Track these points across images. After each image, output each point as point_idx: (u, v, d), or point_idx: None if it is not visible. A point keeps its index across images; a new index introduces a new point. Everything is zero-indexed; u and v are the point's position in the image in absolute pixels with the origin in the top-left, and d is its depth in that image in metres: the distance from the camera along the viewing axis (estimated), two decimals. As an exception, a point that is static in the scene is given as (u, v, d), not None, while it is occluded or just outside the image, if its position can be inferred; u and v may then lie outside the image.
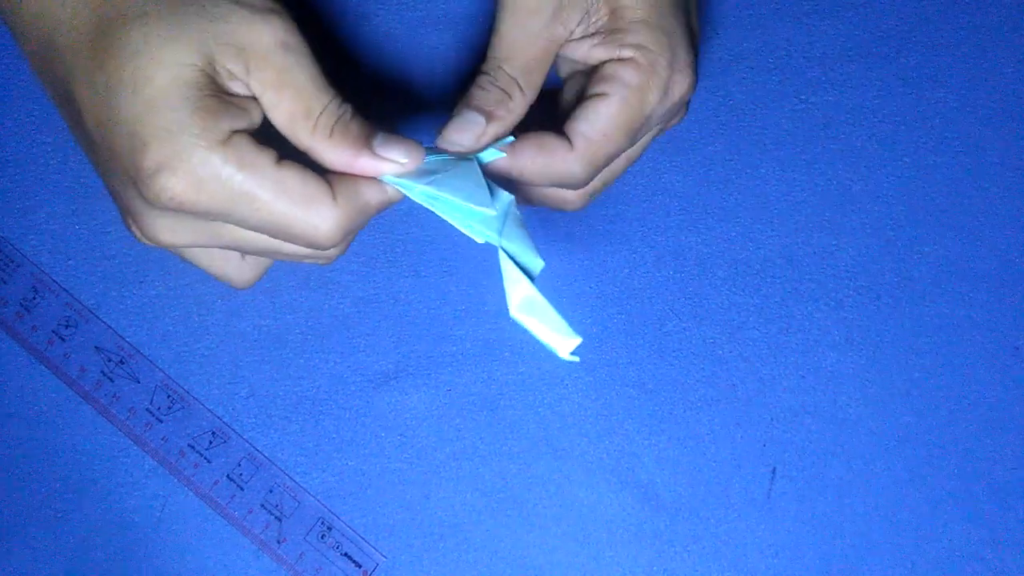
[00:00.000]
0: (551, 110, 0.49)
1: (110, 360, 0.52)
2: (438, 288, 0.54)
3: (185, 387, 0.53)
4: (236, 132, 0.40)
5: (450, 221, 0.42)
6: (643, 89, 0.45)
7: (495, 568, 0.52)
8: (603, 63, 0.46)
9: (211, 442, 0.52)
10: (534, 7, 0.44)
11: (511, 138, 0.44)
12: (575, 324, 0.53)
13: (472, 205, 0.41)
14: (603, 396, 0.53)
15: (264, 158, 0.40)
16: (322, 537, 0.52)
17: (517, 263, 0.41)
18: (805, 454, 0.53)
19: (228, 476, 0.52)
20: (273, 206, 0.40)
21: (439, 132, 0.44)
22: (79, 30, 0.41)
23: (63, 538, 0.51)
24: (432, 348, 0.53)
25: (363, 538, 0.52)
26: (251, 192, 0.40)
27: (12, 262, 0.53)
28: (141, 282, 0.53)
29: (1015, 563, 0.53)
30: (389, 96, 0.54)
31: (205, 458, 0.52)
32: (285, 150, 0.41)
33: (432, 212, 0.42)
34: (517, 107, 0.45)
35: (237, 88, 0.40)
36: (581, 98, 0.46)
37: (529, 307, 0.41)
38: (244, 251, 0.44)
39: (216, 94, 0.40)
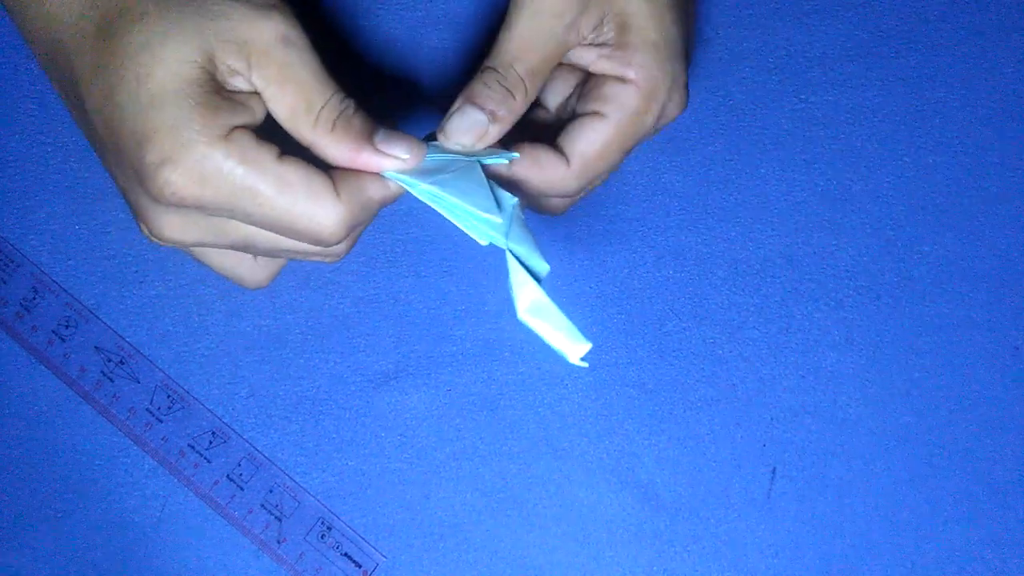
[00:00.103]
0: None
1: (110, 360, 0.52)
2: (438, 288, 0.54)
3: (185, 387, 0.53)
4: (238, 128, 0.40)
5: (453, 221, 0.42)
6: (641, 114, 0.45)
7: (495, 568, 0.52)
8: (605, 79, 0.46)
9: (211, 442, 0.52)
10: (557, 11, 0.44)
11: (515, 154, 0.44)
12: (575, 324, 0.53)
13: (478, 211, 0.41)
14: (603, 396, 0.53)
15: (266, 153, 0.40)
16: (322, 537, 0.52)
17: (524, 266, 0.41)
18: (805, 454, 0.53)
19: (228, 476, 0.52)
20: (275, 201, 0.40)
21: (440, 128, 0.44)
22: (83, 30, 0.41)
23: (63, 538, 0.51)
24: (432, 348, 0.53)
25: (363, 538, 0.52)
26: (253, 187, 0.40)
27: (12, 262, 0.53)
28: (141, 282, 0.53)
29: (1015, 563, 0.53)
30: (391, 95, 0.54)
31: (205, 458, 0.52)
32: (290, 148, 0.41)
33: (433, 211, 0.42)
34: (518, 108, 0.45)
35: (240, 84, 0.41)
36: (575, 112, 0.46)
37: (537, 310, 0.41)
38: (252, 250, 0.44)
39: (217, 90, 0.40)
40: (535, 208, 0.50)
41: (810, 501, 0.53)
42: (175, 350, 0.53)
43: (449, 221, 0.42)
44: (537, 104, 0.50)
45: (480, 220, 0.41)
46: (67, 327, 0.52)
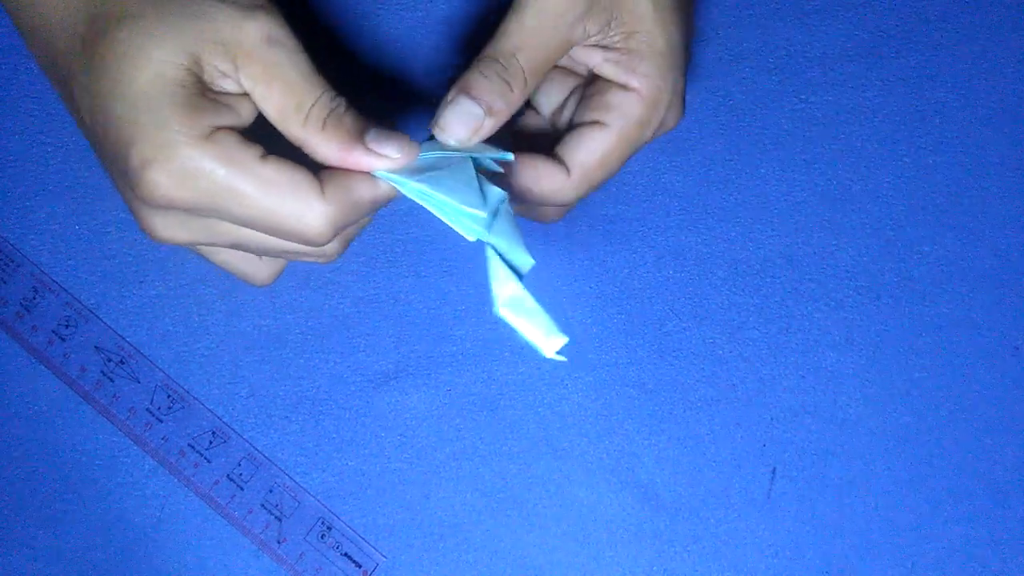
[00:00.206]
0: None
1: (110, 360, 0.52)
2: (438, 288, 0.54)
3: (185, 387, 0.53)
4: (221, 128, 0.40)
5: (441, 218, 0.42)
6: (643, 124, 0.45)
7: (495, 568, 0.52)
8: (607, 85, 0.45)
9: (211, 442, 0.52)
10: (564, 6, 0.44)
11: (509, 154, 0.43)
12: (575, 324, 0.54)
13: (463, 206, 0.41)
14: (603, 396, 0.53)
15: (249, 153, 0.40)
16: (322, 537, 0.52)
17: (505, 260, 0.41)
18: (805, 454, 0.53)
19: (228, 476, 0.52)
20: (260, 201, 0.40)
21: (434, 119, 0.43)
22: (74, 32, 0.41)
23: (63, 538, 0.51)
24: (432, 348, 0.53)
25: (363, 538, 0.52)
26: (235, 187, 0.40)
27: (12, 262, 0.53)
28: (141, 282, 0.53)
29: (1015, 563, 0.53)
30: (389, 95, 0.54)
31: (205, 458, 0.52)
32: (283, 151, 0.41)
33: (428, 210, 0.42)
34: (515, 101, 0.44)
35: (228, 86, 0.41)
36: (574, 120, 0.46)
37: (516, 305, 0.41)
38: (244, 249, 0.44)
39: (202, 92, 0.40)
40: (529, 216, 0.50)
41: (810, 501, 0.53)
42: (175, 350, 0.53)
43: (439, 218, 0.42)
44: (530, 108, 0.50)
45: (465, 215, 0.41)
46: (67, 327, 0.52)
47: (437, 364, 0.53)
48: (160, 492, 0.52)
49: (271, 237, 0.42)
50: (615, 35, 0.45)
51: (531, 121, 0.50)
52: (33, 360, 0.52)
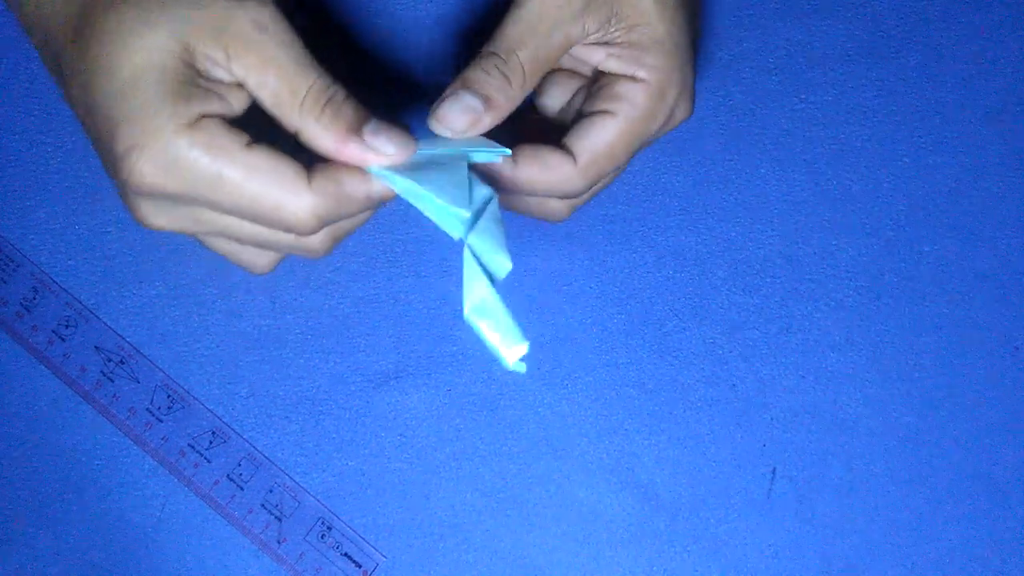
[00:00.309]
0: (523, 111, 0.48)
1: (110, 360, 0.52)
2: (438, 288, 0.54)
3: (185, 387, 0.53)
4: (207, 116, 0.40)
5: (429, 216, 0.41)
6: (651, 114, 0.45)
7: (495, 568, 0.52)
8: (614, 78, 0.45)
9: (211, 442, 0.52)
10: (562, 2, 0.43)
11: (507, 151, 0.43)
12: (575, 324, 0.54)
13: (448, 204, 0.41)
14: (603, 396, 0.53)
15: (234, 140, 0.40)
16: (322, 537, 0.52)
17: (481, 262, 0.41)
18: (805, 454, 0.53)
19: (228, 476, 0.52)
20: (243, 188, 0.40)
21: (432, 112, 0.43)
22: (67, 19, 0.41)
23: (63, 538, 0.51)
24: (432, 348, 0.53)
25: (363, 538, 0.52)
26: (219, 174, 0.39)
27: (12, 262, 0.53)
28: (141, 282, 0.53)
29: (1015, 563, 0.53)
30: (386, 93, 0.54)
31: (205, 458, 0.52)
32: (279, 144, 0.41)
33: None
34: (515, 97, 0.44)
35: (220, 74, 0.40)
36: (583, 112, 0.46)
37: (483, 310, 0.40)
38: (232, 238, 0.44)
39: (192, 79, 0.40)
40: (537, 214, 0.49)
41: (810, 501, 0.53)
42: (175, 350, 0.53)
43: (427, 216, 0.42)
44: (535, 110, 0.50)
45: (450, 214, 0.41)
46: (67, 327, 0.52)
47: (437, 364, 0.53)
48: (160, 492, 0.52)
49: (257, 226, 0.42)
50: (616, 31, 0.45)
51: (538, 121, 0.49)
52: (33, 360, 0.52)
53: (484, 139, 0.44)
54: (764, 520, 0.53)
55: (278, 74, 0.40)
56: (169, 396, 0.52)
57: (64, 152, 0.53)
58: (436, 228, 0.54)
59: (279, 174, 0.40)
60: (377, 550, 0.52)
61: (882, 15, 0.57)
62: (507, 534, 0.52)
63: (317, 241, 0.43)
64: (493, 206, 0.42)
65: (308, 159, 0.41)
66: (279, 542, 0.52)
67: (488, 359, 0.53)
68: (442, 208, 0.41)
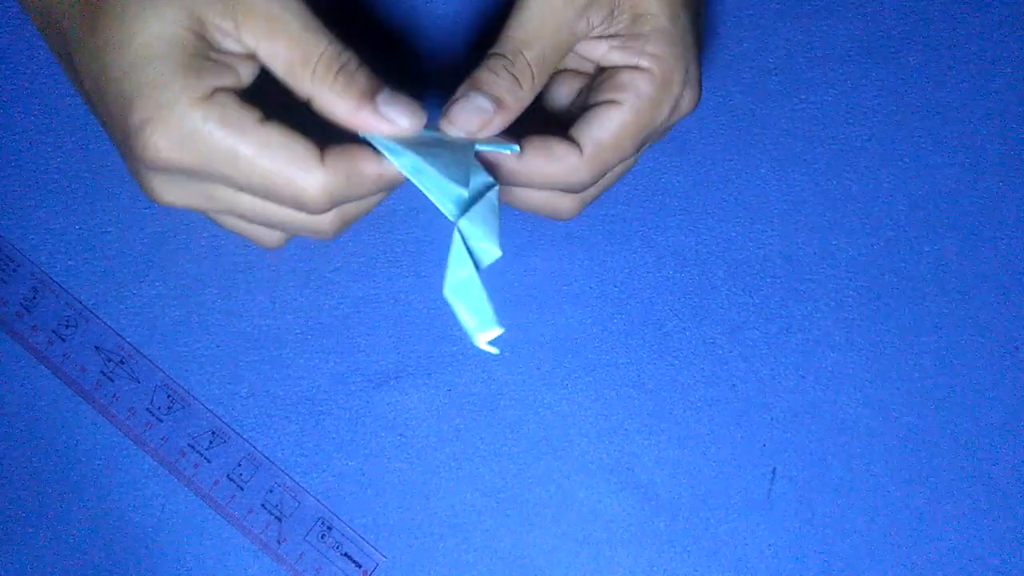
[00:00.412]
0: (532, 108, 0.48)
1: (110, 360, 0.52)
2: (438, 288, 0.53)
3: (185, 387, 0.53)
4: (220, 90, 0.40)
5: (427, 195, 0.41)
6: (657, 102, 0.44)
7: (495, 568, 0.52)
8: (617, 69, 0.45)
9: (211, 442, 0.52)
10: (565, 0, 0.44)
11: (516, 147, 0.43)
12: (575, 324, 0.54)
13: (447, 181, 0.41)
14: (603, 396, 0.53)
15: (247, 116, 0.40)
16: (322, 537, 0.52)
17: (468, 246, 0.41)
18: (805, 454, 0.53)
19: (228, 476, 0.52)
20: (256, 163, 0.40)
21: (443, 113, 0.43)
22: None
23: (63, 538, 0.51)
24: (432, 348, 0.53)
25: (363, 538, 0.52)
26: (233, 148, 0.40)
27: (12, 262, 0.53)
28: (141, 282, 0.53)
29: (1015, 563, 0.53)
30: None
31: (205, 458, 0.52)
32: (287, 118, 0.41)
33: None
34: (525, 97, 0.44)
35: (231, 45, 0.40)
36: (588, 103, 0.45)
37: (462, 290, 0.41)
38: (242, 216, 0.44)
39: (204, 52, 0.40)
40: (543, 212, 0.49)
41: (810, 501, 0.53)
42: (175, 350, 0.53)
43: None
44: (542, 107, 0.50)
45: (448, 194, 0.41)
46: (67, 327, 0.52)
47: (437, 364, 0.53)
48: (160, 492, 0.52)
49: (269, 204, 0.42)
50: (620, 22, 0.45)
51: (545, 115, 0.49)
52: (33, 360, 0.52)
53: (494, 137, 0.44)
54: (764, 520, 0.53)
55: (289, 41, 0.40)
56: (169, 396, 0.52)
57: (64, 152, 0.53)
58: (436, 228, 0.54)
59: (292, 150, 0.40)
60: (377, 550, 0.52)
61: (882, 15, 0.57)
62: (507, 534, 0.52)
63: (327, 222, 0.44)
64: (492, 195, 0.42)
65: (319, 139, 0.41)
66: (279, 542, 0.52)
67: (488, 359, 0.53)
68: (441, 185, 0.41)
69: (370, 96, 0.41)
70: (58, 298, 0.53)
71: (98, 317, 0.53)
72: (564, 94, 0.49)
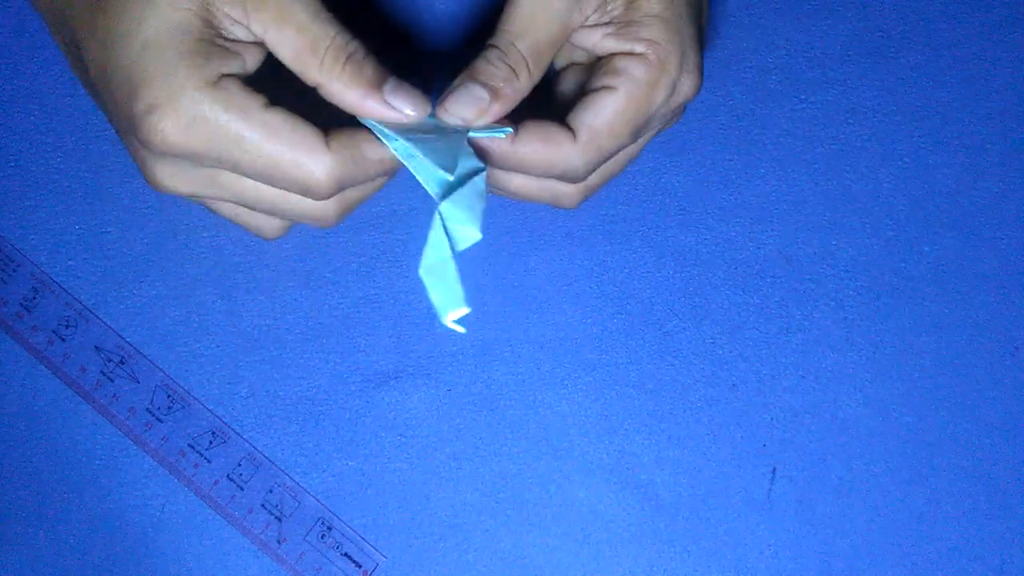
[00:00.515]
0: (540, 101, 0.49)
1: (110, 360, 0.52)
2: (438, 288, 0.54)
3: (185, 387, 0.53)
4: (226, 76, 0.40)
5: (418, 178, 0.42)
6: (652, 86, 0.44)
7: (495, 568, 0.52)
8: (612, 56, 0.45)
9: (211, 442, 0.52)
10: None
11: (509, 129, 0.44)
12: (575, 324, 0.54)
13: (433, 165, 0.41)
14: (603, 396, 0.53)
15: (253, 101, 0.40)
16: (322, 537, 0.52)
17: (447, 229, 0.41)
18: (805, 454, 0.53)
19: (228, 476, 0.52)
20: (262, 148, 0.40)
21: (439, 102, 0.43)
22: None
23: (63, 538, 0.51)
24: (432, 348, 0.53)
25: (363, 538, 0.52)
26: (239, 133, 0.40)
27: (12, 262, 0.53)
28: (141, 282, 0.53)
29: (1015, 563, 0.53)
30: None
31: (205, 458, 0.52)
32: (291, 104, 0.41)
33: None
34: (523, 87, 0.44)
35: (239, 33, 0.41)
36: (585, 89, 0.46)
37: (437, 270, 0.41)
38: (245, 203, 0.44)
39: (211, 39, 0.40)
40: (545, 199, 0.49)
41: (810, 501, 0.53)
42: (175, 350, 0.53)
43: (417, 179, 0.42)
44: (551, 101, 0.50)
45: (433, 175, 0.42)
46: (67, 327, 0.52)
47: (437, 364, 0.53)
48: (160, 492, 0.52)
49: (273, 191, 0.42)
50: (613, 10, 0.45)
51: (551, 110, 0.49)
52: (33, 360, 0.52)
53: (491, 124, 0.44)
54: (764, 520, 0.53)
55: (298, 30, 0.41)
56: (169, 396, 0.52)
57: (64, 152, 0.53)
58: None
59: (298, 135, 0.41)
60: (377, 550, 0.52)
61: (882, 15, 0.57)
62: (507, 534, 0.52)
63: (330, 208, 0.44)
64: (479, 179, 0.42)
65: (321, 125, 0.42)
66: (279, 542, 0.52)
67: (488, 359, 0.53)
68: (428, 167, 0.41)
69: (377, 85, 0.42)
70: (58, 298, 0.53)
71: (98, 317, 0.53)
72: (571, 88, 0.49)
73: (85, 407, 0.52)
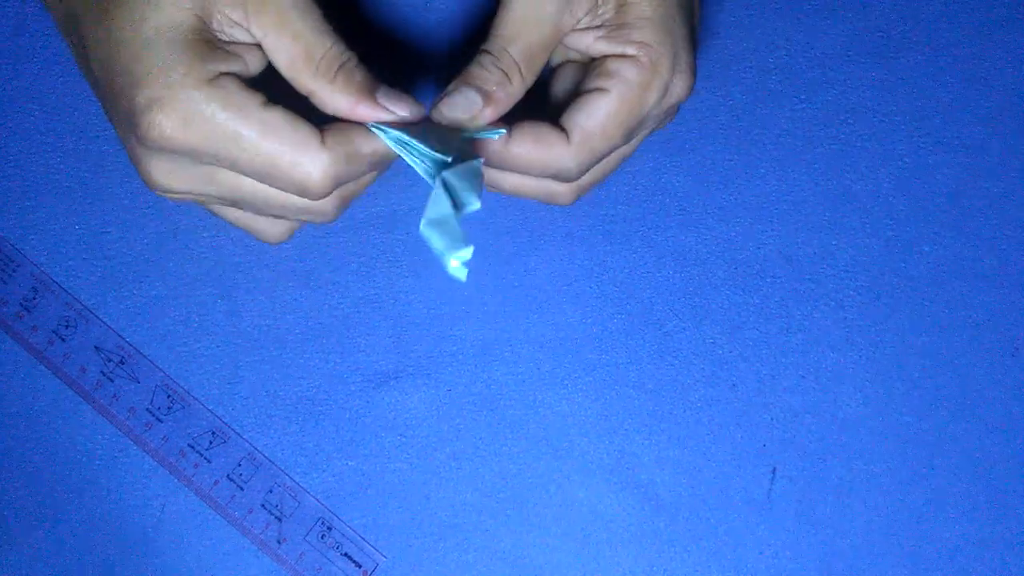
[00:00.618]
0: (535, 98, 0.49)
1: (110, 360, 0.52)
2: (438, 288, 0.54)
3: (185, 387, 0.53)
4: (225, 74, 0.41)
5: (413, 166, 0.42)
6: (644, 88, 0.45)
7: (495, 568, 0.52)
8: (605, 58, 0.45)
9: (211, 442, 0.52)
10: None
11: (503, 131, 0.44)
12: (575, 324, 0.54)
13: (433, 153, 0.42)
14: (603, 396, 0.53)
15: (251, 99, 0.41)
16: (322, 537, 0.52)
17: (450, 193, 0.41)
18: (805, 454, 0.53)
19: (228, 476, 0.52)
20: (259, 146, 0.41)
21: (434, 105, 0.44)
22: None
23: (63, 538, 0.51)
24: (432, 348, 0.53)
25: (363, 538, 0.52)
26: (237, 131, 0.41)
27: (12, 262, 0.53)
28: (141, 282, 0.53)
29: (1015, 563, 0.53)
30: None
31: (205, 458, 0.52)
32: (289, 104, 0.42)
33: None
34: (515, 91, 0.44)
35: (239, 35, 0.42)
36: (579, 91, 0.46)
37: (439, 223, 0.41)
38: (241, 203, 0.44)
39: (210, 39, 0.41)
40: (539, 197, 0.49)
41: (810, 501, 0.53)
42: (175, 350, 0.53)
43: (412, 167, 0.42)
44: (545, 98, 0.50)
45: (431, 161, 0.42)
46: (67, 327, 0.52)
47: (437, 364, 0.53)
48: (160, 492, 0.52)
49: (270, 190, 0.43)
50: (605, 13, 0.45)
51: (545, 107, 0.50)
52: (33, 360, 0.52)
53: (485, 126, 0.45)
54: (764, 520, 0.53)
55: (295, 38, 0.41)
56: (169, 396, 0.52)
57: (64, 152, 0.53)
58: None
59: (294, 133, 0.41)
60: (377, 550, 0.52)
61: (882, 15, 0.57)
62: (507, 534, 0.52)
63: (327, 204, 0.44)
64: (477, 162, 0.42)
65: (315, 120, 0.42)
66: (279, 542, 0.52)
67: (488, 359, 0.53)
68: (425, 155, 0.42)
69: (369, 92, 0.42)
70: (58, 298, 0.53)
71: (98, 317, 0.53)
72: (566, 85, 0.49)
73: (85, 407, 0.52)
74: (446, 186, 0.41)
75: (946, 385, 0.54)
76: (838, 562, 0.53)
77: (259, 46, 0.42)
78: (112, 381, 0.52)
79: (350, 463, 0.53)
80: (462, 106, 0.44)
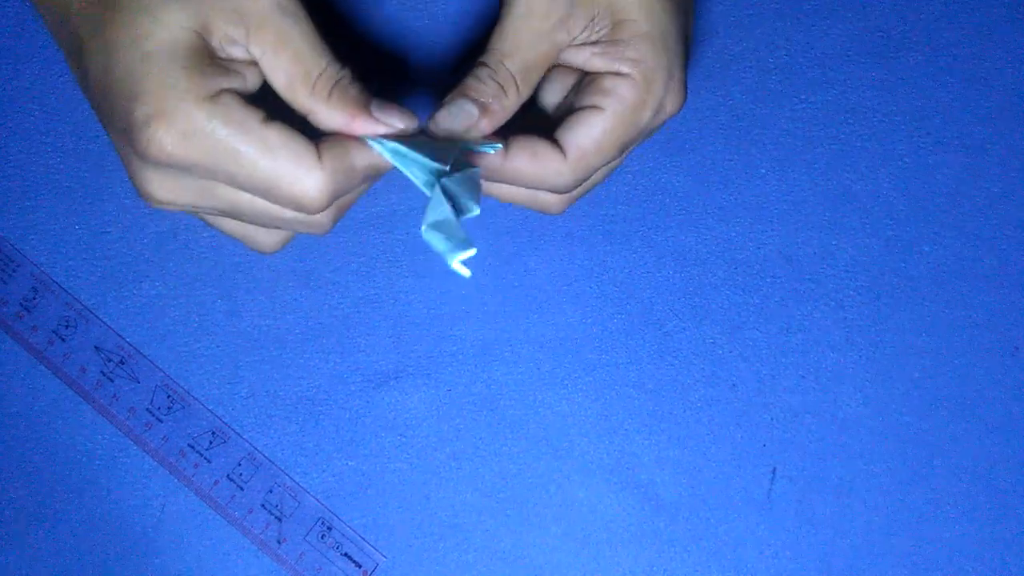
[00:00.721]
0: (526, 107, 0.49)
1: (110, 360, 0.52)
2: (438, 288, 0.54)
3: (185, 387, 0.53)
4: (225, 91, 0.41)
5: (409, 176, 0.42)
6: (639, 107, 0.45)
7: (495, 568, 0.52)
8: (600, 74, 0.46)
9: (211, 442, 0.52)
10: (544, 11, 0.45)
11: (499, 145, 0.44)
12: (575, 324, 0.54)
13: (430, 162, 0.42)
14: (603, 396, 0.53)
15: (251, 116, 0.41)
16: (322, 537, 0.52)
17: (449, 196, 0.41)
18: (805, 454, 0.53)
19: (228, 476, 0.52)
20: (258, 163, 0.41)
21: (430, 116, 0.44)
22: None
23: (63, 538, 0.51)
24: (432, 348, 0.53)
25: (363, 538, 0.52)
26: (235, 148, 0.41)
27: (12, 262, 0.53)
28: (141, 282, 0.53)
29: (1015, 563, 0.53)
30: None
31: (205, 458, 0.52)
32: (286, 119, 0.42)
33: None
34: (511, 104, 0.45)
35: (237, 53, 0.42)
36: (573, 107, 0.46)
37: (439, 225, 0.41)
38: (239, 216, 0.44)
39: (210, 56, 0.41)
40: (530, 205, 0.49)
41: (810, 501, 0.53)
42: (175, 350, 0.53)
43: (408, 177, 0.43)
44: (535, 106, 0.50)
45: (428, 171, 0.42)
46: (67, 327, 0.52)
47: (437, 364, 0.53)
48: (160, 492, 0.52)
49: (267, 204, 0.43)
50: (601, 29, 0.45)
51: (537, 116, 0.50)
52: (33, 360, 0.52)
53: (479, 138, 0.45)
54: (764, 520, 0.53)
55: (293, 57, 0.42)
56: (169, 396, 0.52)
57: (64, 152, 0.53)
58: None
59: (293, 150, 0.41)
60: (377, 550, 0.52)
61: (882, 15, 0.57)
62: (507, 534, 0.52)
63: (324, 218, 0.44)
64: (475, 171, 0.43)
65: (311, 136, 0.42)
66: (279, 542, 0.52)
67: (488, 359, 0.53)
68: (422, 164, 0.42)
69: (364, 107, 0.43)
70: (58, 298, 0.53)
71: (98, 317, 0.53)
72: (557, 91, 0.49)
73: (85, 407, 0.52)
74: (445, 192, 0.41)
75: (946, 385, 0.54)
76: (838, 562, 0.53)
77: (257, 63, 0.42)
78: (112, 381, 0.52)
79: (350, 463, 0.53)
80: (459, 117, 0.44)
